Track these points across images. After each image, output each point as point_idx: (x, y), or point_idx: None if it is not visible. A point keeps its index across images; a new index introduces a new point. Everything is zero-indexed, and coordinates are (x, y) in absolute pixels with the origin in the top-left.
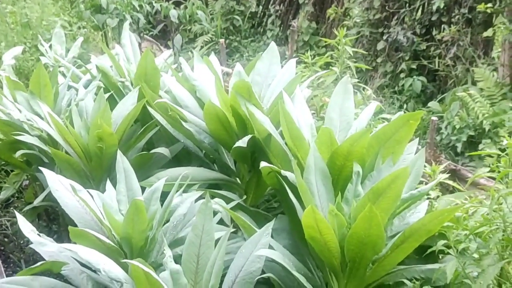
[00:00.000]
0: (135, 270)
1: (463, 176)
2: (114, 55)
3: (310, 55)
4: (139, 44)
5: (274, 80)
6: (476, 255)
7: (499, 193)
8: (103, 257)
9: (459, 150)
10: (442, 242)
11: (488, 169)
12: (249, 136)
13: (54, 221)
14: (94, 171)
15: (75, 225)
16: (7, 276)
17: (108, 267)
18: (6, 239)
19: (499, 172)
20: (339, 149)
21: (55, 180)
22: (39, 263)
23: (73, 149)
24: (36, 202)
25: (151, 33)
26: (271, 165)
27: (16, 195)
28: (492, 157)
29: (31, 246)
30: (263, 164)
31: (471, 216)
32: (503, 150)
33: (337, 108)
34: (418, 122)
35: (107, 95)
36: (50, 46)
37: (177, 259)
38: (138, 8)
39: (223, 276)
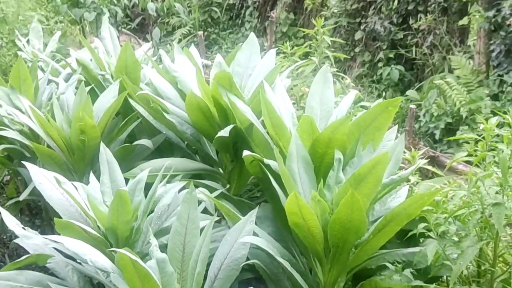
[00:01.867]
0: (122, 259)
1: (441, 163)
2: (94, 48)
3: (289, 46)
4: (118, 38)
5: (255, 70)
6: (455, 238)
7: (476, 176)
8: (90, 248)
9: (437, 137)
10: (423, 225)
11: (465, 153)
12: (231, 126)
13: (36, 215)
14: (77, 164)
15: (60, 218)
16: None
17: (95, 257)
18: None
19: (476, 156)
20: (320, 136)
21: (38, 174)
22: (24, 257)
23: (55, 142)
24: (22, 197)
25: (129, 26)
26: (254, 154)
27: None
28: (469, 143)
29: (16, 240)
30: (245, 153)
31: (450, 200)
32: (480, 136)
33: (317, 96)
34: (397, 109)
35: (87, 88)
36: (28, 41)
37: (163, 248)
38: (116, 1)
39: (209, 264)
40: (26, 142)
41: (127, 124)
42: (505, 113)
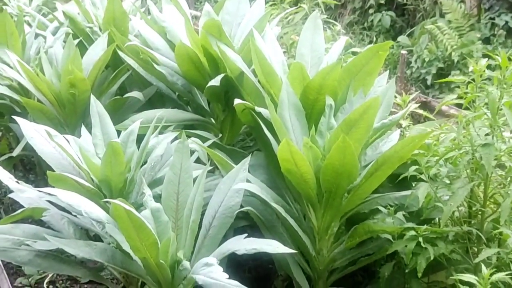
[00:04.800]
0: (117, 209)
1: (433, 108)
2: (80, 1)
3: None
4: None
5: (244, 19)
6: (446, 180)
7: (466, 118)
8: (84, 199)
9: (429, 82)
10: (414, 168)
11: (454, 96)
12: (222, 75)
13: (30, 170)
14: (68, 118)
15: (53, 171)
16: None
17: (89, 208)
18: None
19: (466, 98)
20: (311, 83)
21: (29, 128)
22: (19, 211)
23: (46, 96)
24: (15, 152)
25: None
26: (245, 102)
27: None
28: (461, 87)
29: (10, 194)
30: (237, 101)
31: (441, 143)
32: (470, 79)
33: (308, 43)
34: (387, 53)
35: (76, 41)
36: None
37: (157, 199)
38: None
39: (203, 212)
40: (16, 97)
41: (117, 76)
42: (497, 56)
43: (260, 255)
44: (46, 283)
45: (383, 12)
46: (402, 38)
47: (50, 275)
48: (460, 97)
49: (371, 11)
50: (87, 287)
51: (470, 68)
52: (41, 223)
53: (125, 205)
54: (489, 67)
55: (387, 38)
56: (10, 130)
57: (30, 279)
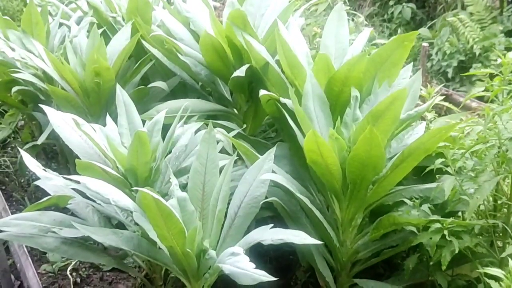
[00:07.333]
0: (145, 198)
1: (455, 101)
2: None
3: None
4: None
5: (268, 9)
6: (472, 173)
7: (493, 111)
8: (112, 188)
9: (450, 75)
10: (440, 160)
11: (481, 89)
12: (247, 66)
13: (52, 159)
14: (92, 107)
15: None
16: (12, 214)
17: (117, 197)
18: (7, 179)
19: (492, 91)
20: (337, 74)
21: (56, 116)
22: (45, 198)
23: (70, 85)
24: (40, 140)
25: None
26: (270, 93)
27: (12, 135)
28: (482, 81)
29: (37, 182)
30: (262, 92)
31: (466, 136)
32: (497, 71)
33: (332, 35)
34: (413, 43)
35: (99, 31)
36: None
37: (182, 188)
38: None
39: (228, 202)
40: (41, 85)
41: (141, 66)
42: None
43: (282, 245)
44: (70, 270)
45: (404, 4)
46: (423, 30)
47: (73, 262)
48: (486, 90)
49: (391, 3)
50: (110, 275)
51: (498, 61)
52: (64, 211)
53: (153, 193)
54: None
55: (407, 30)
56: (33, 118)
57: (54, 266)
